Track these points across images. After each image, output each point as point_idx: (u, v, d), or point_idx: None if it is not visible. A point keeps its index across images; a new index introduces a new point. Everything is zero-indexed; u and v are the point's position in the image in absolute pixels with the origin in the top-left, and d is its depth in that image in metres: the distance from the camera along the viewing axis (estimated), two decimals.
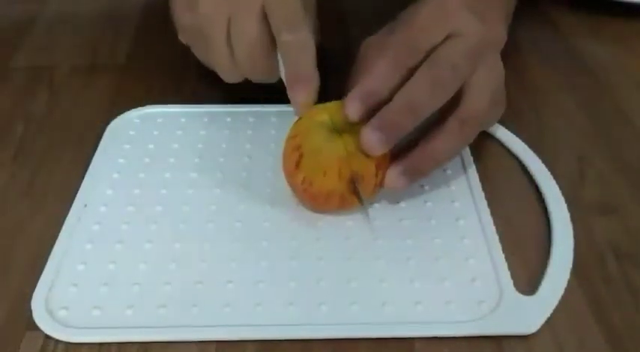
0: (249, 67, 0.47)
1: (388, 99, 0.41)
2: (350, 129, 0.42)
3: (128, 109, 0.54)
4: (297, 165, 0.42)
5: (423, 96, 0.41)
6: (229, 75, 0.49)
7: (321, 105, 0.44)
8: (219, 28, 0.46)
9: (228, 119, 0.53)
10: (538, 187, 0.47)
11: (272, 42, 0.46)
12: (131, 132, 0.52)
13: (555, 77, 0.58)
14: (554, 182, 0.47)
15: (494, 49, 0.45)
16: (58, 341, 0.38)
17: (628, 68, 0.60)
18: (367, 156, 0.41)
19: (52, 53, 0.63)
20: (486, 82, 0.43)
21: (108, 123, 0.53)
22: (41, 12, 0.69)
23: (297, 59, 0.45)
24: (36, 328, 0.38)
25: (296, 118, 0.45)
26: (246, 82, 0.49)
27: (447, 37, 0.42)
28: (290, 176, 0.43)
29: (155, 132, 0.52)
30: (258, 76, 0.48)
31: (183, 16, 0.48)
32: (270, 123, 0.53)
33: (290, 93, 0.45)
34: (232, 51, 0.47)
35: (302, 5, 0.45)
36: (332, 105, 0.44)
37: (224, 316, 0.38)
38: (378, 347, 0.37)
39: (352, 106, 0.41)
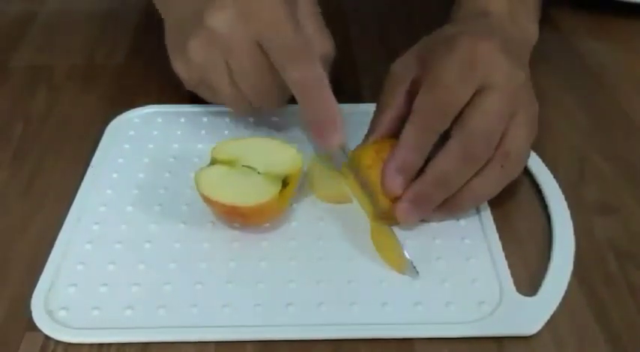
0: (260, 101, 0.46)
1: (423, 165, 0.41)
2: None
3: (128, 109, 0.54)
4: None
5: (455, 171, 0.40)
6: (242, 111, 0.49)
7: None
8: (219, 73, 0.44)
9: (228, 119, 0.53)
10: (538, 187, 0.47)
11: (276, 70, 0.43)
12: (131, 132, 0.52)
13: (555, 77, 0.58)
14: (554, 182, 0.47)
15: (527, 86, 0.42)
16: (57, 342, 0.38)
17: (628, 68, 0.60)
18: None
19: (51, 53, 0.62)
20: (524, 127, 0.41)
21: (107, 123, 0.53)
22: (40, 11, 0.69)
23: (312, 100, 0.42)
24: (36, 328, 0.38)
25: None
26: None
27: (478, 91, 0.39)
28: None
29: (155, 132, 0.52)
30: (271, 106, 0.47)
31: (181, 70, 0.47)
32: (270, 123, 0.53)
33: (316, 142, 0.43)
34: (238, 89, 0.45)
35: (301, 31, 0.41)
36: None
37: (223, 316, 0.38)
38: (378, 348, 0.37)
39: (393, 183, 0.41)
